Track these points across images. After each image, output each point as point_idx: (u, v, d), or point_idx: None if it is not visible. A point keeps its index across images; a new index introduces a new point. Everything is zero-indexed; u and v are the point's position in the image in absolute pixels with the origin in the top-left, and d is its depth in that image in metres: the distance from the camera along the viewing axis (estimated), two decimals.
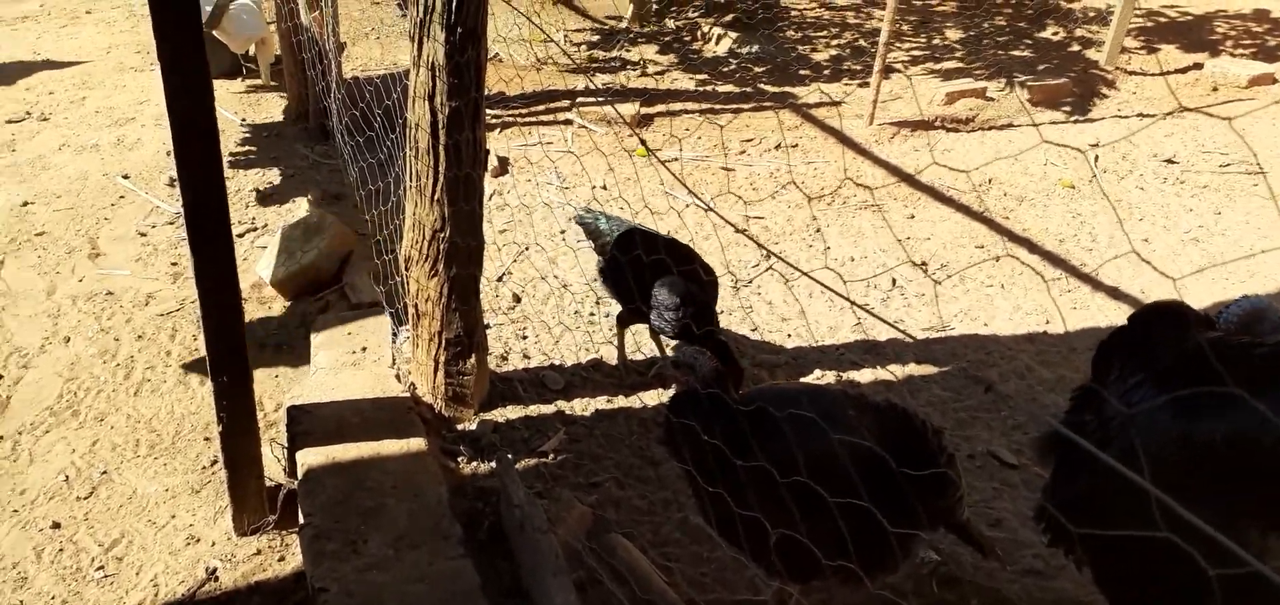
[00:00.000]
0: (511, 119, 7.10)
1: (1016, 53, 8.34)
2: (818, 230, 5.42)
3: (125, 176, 5.84)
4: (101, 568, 2.90)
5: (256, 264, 4.67)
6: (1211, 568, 1.40)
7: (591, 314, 4.46)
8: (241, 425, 2.85)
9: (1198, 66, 7.72)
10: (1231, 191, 5.82)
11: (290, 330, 4.28)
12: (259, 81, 7.83)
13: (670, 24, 9.54)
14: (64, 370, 3.92)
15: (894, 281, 4.87)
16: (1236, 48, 8.12)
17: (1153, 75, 7.64)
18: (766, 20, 9.05)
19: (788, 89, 7.91)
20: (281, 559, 2.94)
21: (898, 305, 4.69)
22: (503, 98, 7.39)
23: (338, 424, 3.20)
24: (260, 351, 4.08)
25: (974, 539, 2.50)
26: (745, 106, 7.48)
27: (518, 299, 4.53)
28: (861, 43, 8.85)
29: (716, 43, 8.91)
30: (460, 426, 3.53)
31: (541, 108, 7.36)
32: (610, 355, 4.06)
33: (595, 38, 9.31)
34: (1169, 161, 6.22)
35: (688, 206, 5.57)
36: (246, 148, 6.51)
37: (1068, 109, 7.23)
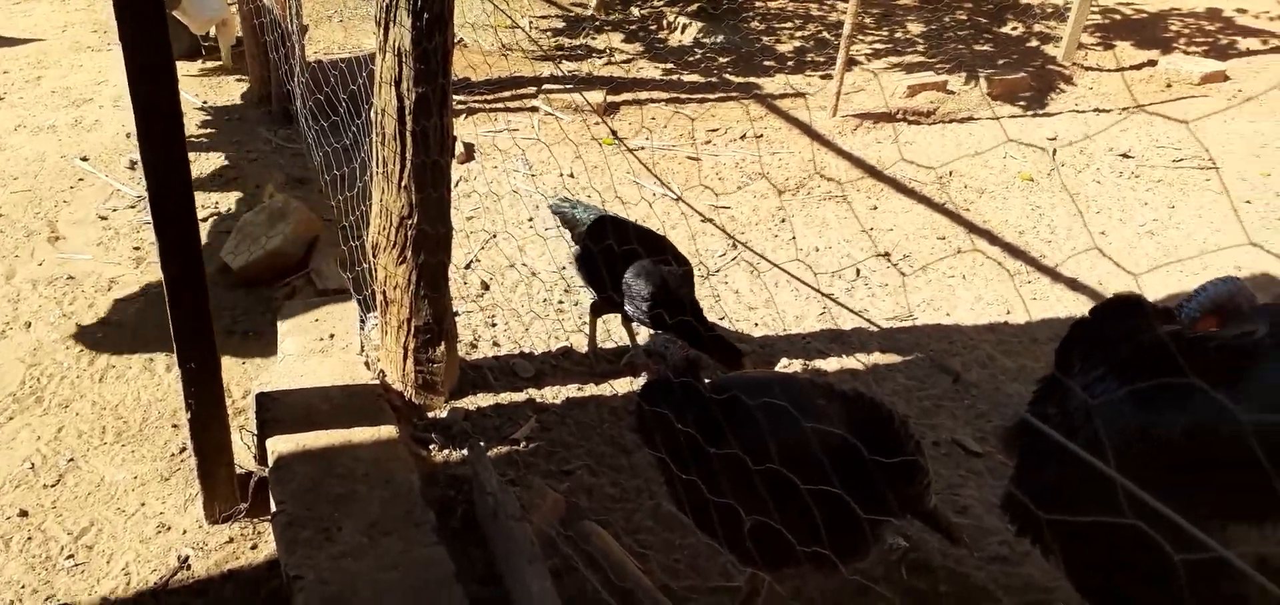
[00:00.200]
0: (478, 105, 7.06)
1: (977, 47, 8.47)
2: (784, 220, 5.47)
3: (84, 159, 5.72)
4: (71, 556, 2.86)
5: (220, 250, 4.61)
6: (1177, 554, 1.44)
7: (560, 302, 4.47)
8: (210, 412, 2.82)
9: (1152, 63, 7.90)
10: (1185, 186, 5.97)
11: (256, 317, 4.23)
12: (220, 63, 7.69)
13: (636, 12, 9.54)
14: (26, 356, 3.84)
15: (858, 272, 4.94)
16: (1189, 46, 8.31)
17: (1109, 71, 7.80)
18: (731, 10, 9.09)
19: (753, 80, 7.96)
20: (254, 547, 2.92)
21: (862, 295, 4.75)
22: (468, 83, 7.36)
23: (307, 411, 3.18)
24: (227, 338, 4.03)
25: (942, 526, 2.55)
26: (711, 97, 7.51)
27: (486, 286, 4.53)
28: (825, 35, 8.92)
29: (682, 32, 8.94)
30: (431, 414, 3.53)
31: (508, 94, 7.33)
32: (581, 343, 4.08)
33: (561, 24, 9.28)
34: (1124, 156, 6.36)
35: (657, 197, 5.59)
36: (207, 131, 6.40)
37: (1025, 103, 7.36)
